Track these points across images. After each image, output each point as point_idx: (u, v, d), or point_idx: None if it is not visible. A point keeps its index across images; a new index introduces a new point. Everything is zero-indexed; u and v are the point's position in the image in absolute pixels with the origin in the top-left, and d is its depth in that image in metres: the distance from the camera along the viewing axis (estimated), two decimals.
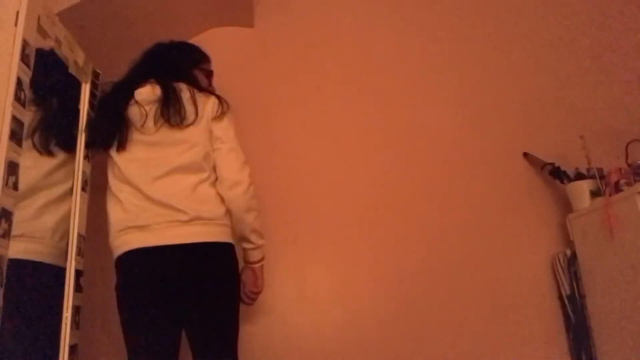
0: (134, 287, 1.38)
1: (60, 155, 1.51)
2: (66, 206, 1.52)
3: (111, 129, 1.47)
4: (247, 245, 1.55)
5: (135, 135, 1.47)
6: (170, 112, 1.45)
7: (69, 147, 1.53)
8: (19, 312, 1.24)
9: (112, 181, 1.47)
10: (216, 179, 1.49)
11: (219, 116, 1.51)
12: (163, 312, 1.37)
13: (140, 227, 1.37)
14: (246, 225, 1.50)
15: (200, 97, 1.51)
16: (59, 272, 1.46)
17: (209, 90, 1.58)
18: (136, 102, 1.47)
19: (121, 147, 1.46)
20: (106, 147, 1.48)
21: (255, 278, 1.58)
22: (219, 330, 1.42)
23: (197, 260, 1.39)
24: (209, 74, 1.70)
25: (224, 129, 1.51)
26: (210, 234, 1.41)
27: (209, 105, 1.51)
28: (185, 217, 1.38)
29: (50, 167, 1.48)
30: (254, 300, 1.61)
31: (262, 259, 1.59)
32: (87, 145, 1.57)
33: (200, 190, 1.44)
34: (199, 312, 1.40)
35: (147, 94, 1.48)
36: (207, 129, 1.49)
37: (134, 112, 1.47)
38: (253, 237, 1.53)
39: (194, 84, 1.55)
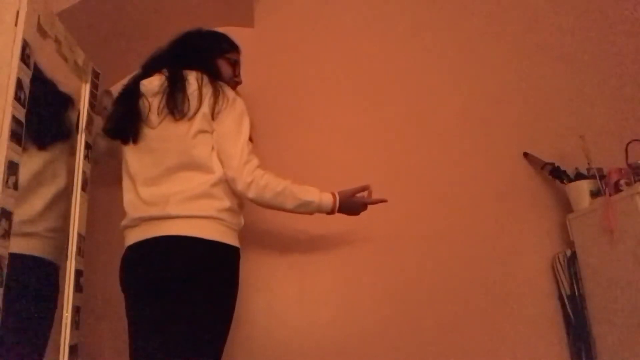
0: (123, 283, 1.39)
1: (43, 154, 1.45)
2: (63, 204, 1.51)
3: (122, 122, 1.45)
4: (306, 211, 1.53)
5: (144, 129, 1.42)
6: (173, 104, 1.37)
7: (40, 143, 1.44)
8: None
9: (124, 176, 1.46)
10: (217, 177, 1.39)
11: (222, 111, 1.41)
12: (146, 305, 1.32)
13: (132, 227, 1.37)
14: (275, 206, 1.46)
15: (207, 90, 1.40)
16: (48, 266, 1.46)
17: (216, 83, 1.44)
18: (141, 94, 1.42)
19: (133, 140, 1.42)
20: (123, 141, 1.45)
21: (349, 212, 1.64)
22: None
23: (172, 255, 1.31)
24: (234, 64, 1.62)
25: (226, 125, 1.41)
26: (195, 229, 1.32)
27: (214, 99, 1.40)
28: (171, 214, 1.32)
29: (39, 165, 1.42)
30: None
31: (333, 208, 1.57)
32: (109, 135, 1.53)
33: (197, 188, 1.35)
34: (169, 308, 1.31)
35: (151, 85, 1.43)
36: (210, 124, 1.40)
37: (140, 104, 1.42)
38: (298, 208, 1.49)
39: (211, 74, 1.45)
